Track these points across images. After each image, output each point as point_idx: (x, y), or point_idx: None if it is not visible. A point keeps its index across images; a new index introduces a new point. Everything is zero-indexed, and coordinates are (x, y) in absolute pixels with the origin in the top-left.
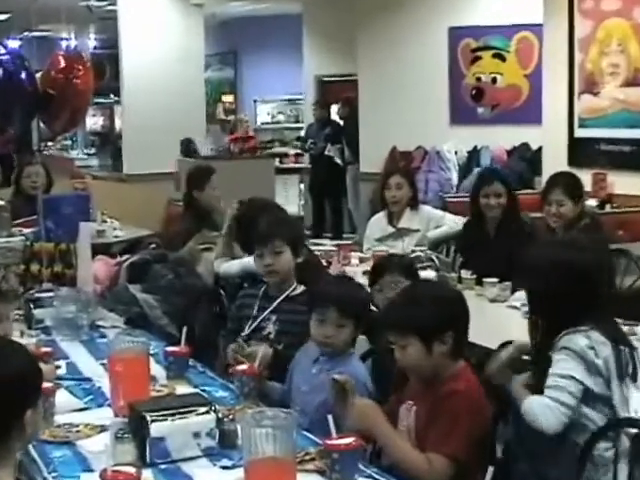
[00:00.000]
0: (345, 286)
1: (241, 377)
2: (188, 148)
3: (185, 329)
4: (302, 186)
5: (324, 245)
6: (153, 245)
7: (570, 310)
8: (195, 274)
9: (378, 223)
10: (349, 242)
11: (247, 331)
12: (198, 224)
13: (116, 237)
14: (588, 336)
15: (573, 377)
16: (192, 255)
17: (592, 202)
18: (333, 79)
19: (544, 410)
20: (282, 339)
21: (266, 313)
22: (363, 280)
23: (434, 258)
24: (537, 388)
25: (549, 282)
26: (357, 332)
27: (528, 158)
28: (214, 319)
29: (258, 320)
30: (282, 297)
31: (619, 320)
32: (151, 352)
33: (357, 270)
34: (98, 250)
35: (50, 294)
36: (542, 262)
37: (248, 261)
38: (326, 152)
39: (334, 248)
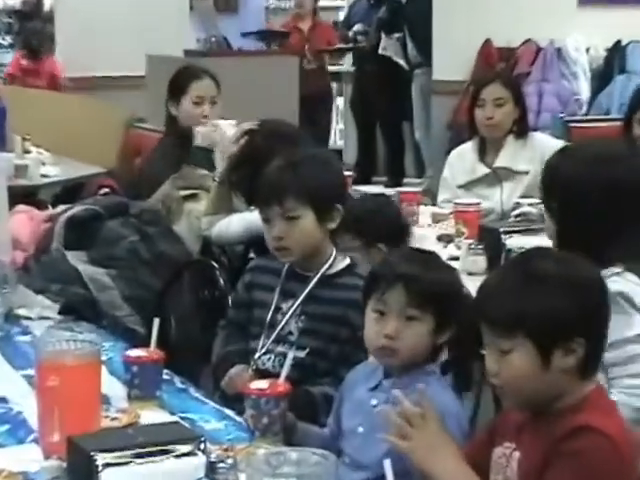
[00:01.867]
0: (422, 260)
1: (258, 400)
2: None
3: (157, 322)
4: (341, 101)
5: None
6: (105, 190)
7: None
8: (172, 236)
9: (463, 160)
10: (415, 190)
11: (267, 340)
12: (181, 156)
13: (46, 176)
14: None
15: None
16: (167, 206)
17: None
18: None
19: None
20: (306, 343)
21: (296, 305)
22: (438, 249)
23: None
24: None
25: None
26: (439, 337)
27: None
28: (202, 307)
29: (287, 317)
30: (317, 278)
31: None
32: (103, 358)
33: (428, 233)
34: (18, 197)
35: None
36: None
37: (256, 217)
38: (380, 50)
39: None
